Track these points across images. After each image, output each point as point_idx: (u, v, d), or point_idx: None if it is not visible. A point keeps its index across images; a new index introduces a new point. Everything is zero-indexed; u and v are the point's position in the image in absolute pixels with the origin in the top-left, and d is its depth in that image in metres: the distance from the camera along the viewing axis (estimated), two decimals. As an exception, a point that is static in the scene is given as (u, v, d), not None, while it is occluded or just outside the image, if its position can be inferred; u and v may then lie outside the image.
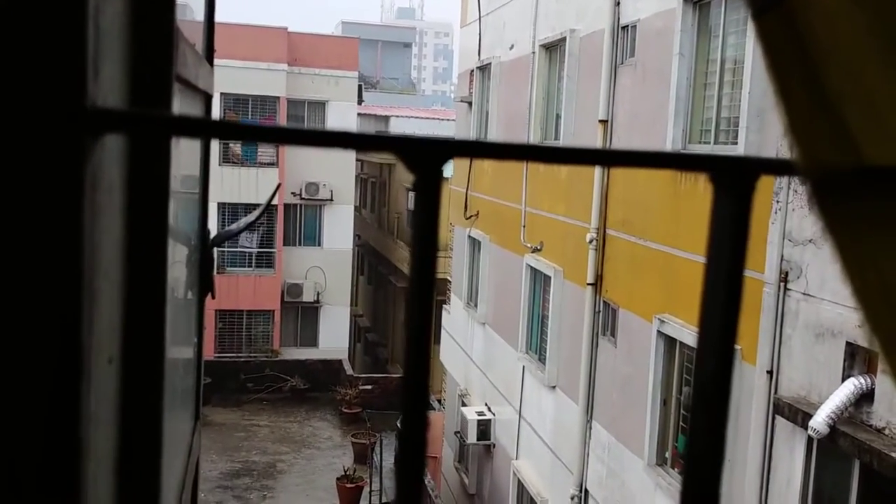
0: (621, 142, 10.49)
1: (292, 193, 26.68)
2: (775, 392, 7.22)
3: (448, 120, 32.79)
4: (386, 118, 35.61)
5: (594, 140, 10.91)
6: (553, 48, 12.90)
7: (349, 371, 25.68)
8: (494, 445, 14.99)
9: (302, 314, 27.76)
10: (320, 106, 27.45)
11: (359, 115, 29.79)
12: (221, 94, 24.77)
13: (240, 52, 24.66)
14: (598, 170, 10.42)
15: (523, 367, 13.49)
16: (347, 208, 28.01)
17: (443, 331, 18.46)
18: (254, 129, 0.50)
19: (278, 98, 26.43)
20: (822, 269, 6.71)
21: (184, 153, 1.65)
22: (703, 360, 0.51)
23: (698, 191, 8.48)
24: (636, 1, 10.19)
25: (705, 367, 0.51)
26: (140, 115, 0.62)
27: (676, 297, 8.89)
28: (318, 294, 27.42)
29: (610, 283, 10.69)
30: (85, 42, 0.59)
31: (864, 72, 0.42)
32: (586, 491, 11.19)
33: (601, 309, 10.88)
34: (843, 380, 6.37)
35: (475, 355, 16.28)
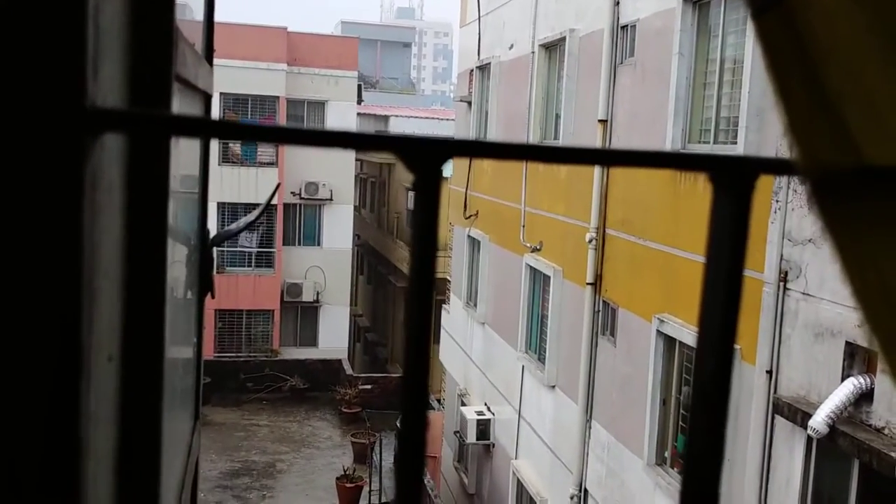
0: (621, 141, 10.49)
1: (292, 193, 26.68)
2: (775, 392, 7.23)
3: (447, 120, 32.79)
4: (385, 118, 35.60)
5: (594, 140, 10.91)
6: (552, 48, 12.90)
7: (349, 371, 25.68)
8: (494, 445, 14.99)
9: (301, 314, 27.76)
10: (320, 106, 27.45)
11: (358, 114, 29.79)
12: (221, 93, 24.77)
13: (239, 52, 24.66)
14: (597, 169, 10.42)
15: (523, 366, 13.49)
16: (347, 208, 28.01)
17: (442, 330, 18.46)
18: (253, 129, 0.50)
19: (278, 98, 26.44)
20: (822, 269, 6.71)
21: (183, 153, 1.65)
22: (702, 360, 0.51)
23: (698, 190, 8.48)
24: (635, 0, 10.19)
25: (705, 367, 0.51)
26: (139, 115, 0.62)
27: (676, 296, 8.89)
28: (318, 294, 27.42)
29: (609, 282, 10.69)
30: (84, 41, 0.59)
31: (863, 71, 0.42)
32: (586, 490, 11.19)
33: (601, 308, 10.88)
34: (843, 379, 6.37)
35: (475, 355, 16.28)
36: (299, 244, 27.57)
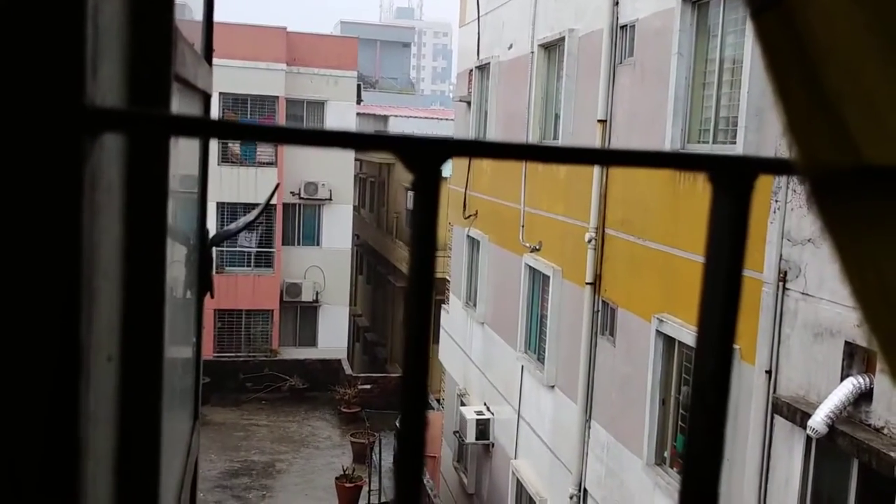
0: (620, 141, 10.50)
1: (291, 193, 26.68)
2: (774, 391, 7.23)
3: (447, 119, 32.76)
4: (385, 118, 35.59)
5: (593, 139, 10.91)
6: (552, 48, 12.90)
7: (348, 371, 25.68)
8: (493, 445, 14.99)
9: (301, 314, 27.76)
10: (319, 105, 27.45)
11: (358, 114, 29.78)
12: (220, 93, 24.77)
13: (239, 52, 24.66)
14: (596, 169, 10.42)
15: (522, 366, 13.49)
16: (346, 208, 28.01)
17: (442, 330, 18.46)
18: (253, 129, 0.50)
19: (277, 98, 26.44)
20: (821, 269, 6.71)
21: (182, 153, 1.65)
22: (701, 360, 0.51)
23: (697, 190, 8.49)
24: (635, 0, 10.19)
25: (704, 367, 0.51)
26: (139, 115, 0.62)
27: (675, 296, 8.89)
28: (317, 294, 27.42)
29: (609, 282, 10.69)
30: (84, 41, 0.59)
31: (863, 71, 0.42)
32: (585, 490, 11.20)
33: (600, 308, 10.88)
34: (842, 379, 6.37)
35: (474, 355, 16.28)
36: (298, 244, 27.57)
